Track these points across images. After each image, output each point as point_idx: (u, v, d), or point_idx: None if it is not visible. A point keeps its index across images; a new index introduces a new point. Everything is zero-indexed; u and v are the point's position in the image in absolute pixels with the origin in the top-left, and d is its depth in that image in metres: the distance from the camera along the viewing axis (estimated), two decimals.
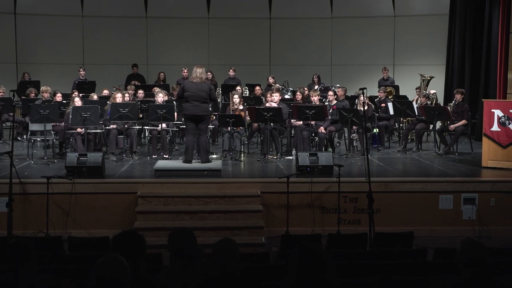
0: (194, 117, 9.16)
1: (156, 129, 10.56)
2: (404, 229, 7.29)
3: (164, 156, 10.28)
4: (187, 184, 8.44)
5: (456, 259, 3.59)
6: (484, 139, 9.55)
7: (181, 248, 3.89)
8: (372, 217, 6.78)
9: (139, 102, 11.56)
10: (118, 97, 10.76)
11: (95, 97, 11.87)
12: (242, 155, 10.74)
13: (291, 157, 10.46)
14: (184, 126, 9.86)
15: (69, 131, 10.40)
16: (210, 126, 11.38)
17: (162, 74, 15.63)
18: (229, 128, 10.41)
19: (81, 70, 14.99)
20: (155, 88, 12.88)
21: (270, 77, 15.01)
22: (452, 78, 15.02)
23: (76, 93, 12.21)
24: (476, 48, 13.83)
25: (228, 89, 13.56)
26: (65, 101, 11.49)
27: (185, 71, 14.50)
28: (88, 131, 10.20)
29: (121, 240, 3.69)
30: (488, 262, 3.51)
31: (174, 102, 11.26)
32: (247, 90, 14.35)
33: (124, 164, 9.83)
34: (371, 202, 6.82)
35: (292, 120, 10.93)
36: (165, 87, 13.79)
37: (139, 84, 15.14)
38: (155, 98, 11.13)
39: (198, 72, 9.17)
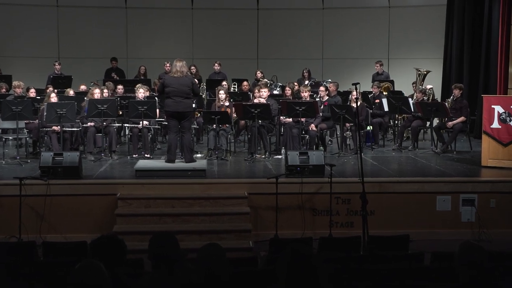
0: (176, 114, 9.14)
1: (137, 126, 10.52)
2: (400, 232, 7.31)
3: (146, 155, 10.25)
4: (170, 185, 8.42)
5: (454, 263, 3.61)
6: (484, 136, 9.60)
7: (163, 253, 3.88)
8: (366, 219, 6.80)
9: (118, 98, 11.51)
10: (96, 93, 10.71)
11: (71, 92, 11.80)
12: (229, 154, 10.73)
13: (280, 156, 10.46)
14: (167, 124, 9.83)
15: (44, 129, 10.34)
16: (194, 126, 11.35)
17: (143, 68, 15.57)
18: (214, 125, 10.39)
19: (57, 64, 14.89)
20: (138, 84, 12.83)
21: (258, 72, 15.01)
22: (450, 73, 15.09)
23: (51, 88, 12.13)
24: (475, 41, 13.91)
25: (214, 84, 13.53)
26: (39, 97, 11.42)
27: (168, 65, 14.44)
28: (64, 129, 10.14)
29: (99, 245, 3.68)
30: (488, 267, 3.53)
31: (156, 98, 11.23)
32: (235, 86, 14.34)
33: (102, 164, 9.78)
34: (364, 204, 6.84)
35: (281, 117, 10.94)
36: (146, 82, 13.75)
37: (118, 78, 15.08)
38: (136, 94, 11.09)
39: (179, 65, 9.15)
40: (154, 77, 14.48)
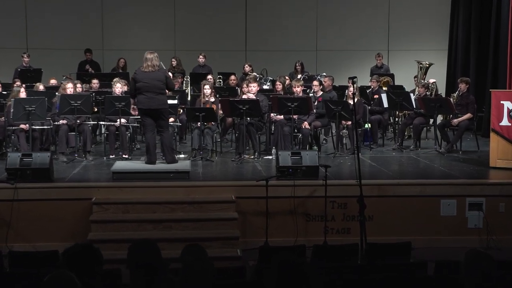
0: (150, 111, 9.11)
1: (113, 124, 10.49)
2: (401, 239, 7.33)
3: (123, 156, 10.22)
4: (150, 189, 8.40)
5: (460, 273, 3.63)
6: (492, 135, 9.64)
7: (144, 262, 3.87)
8: (364, 225, 6.81)
9: (93, 94, 11.47)
10: (69, 88, 10.67)
11: (41, 87, 11.74)
12: (214, 154, 10.72)
13: (270, 157, 10.47)
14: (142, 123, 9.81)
15: (11, 127, 10.28)
16: (174, 123, 11.31)
17: (122, 60, 15.53)
18: (199, 123, 10.38)
19: (25, 55, 14.82)
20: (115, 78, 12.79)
21: (246, 65, 15.01)
22: (455, 66, 15.16)
23: (18, 82, 12.08)
24: (483, 31, 13.96)
25: (198, 78, 13.51)
26: (5, 92, 11.35)
27: None
28: (33, 127, 10.09)
29: (73, 254, 3.66)
30: (497, 277, 3.54)
31: None
32: (221, 80, 14.33)
33: (76, 166, 9.75)
34: (362, 208, 6.86)
35: (272, 114, 10.93)
36: (124, 76, 13.71)
37: (93, 71, 15.02)
38: (113, 89, 11.05)
39: (150, 58, 9.11)
40: (133, 71, 14.42)
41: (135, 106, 9.39)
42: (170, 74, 9.84)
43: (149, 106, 9.07)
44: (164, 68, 9.49)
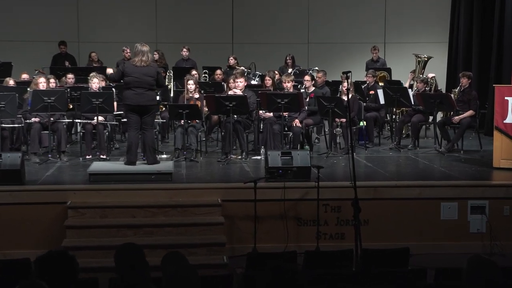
0: (138, 107, 9.12)
1: (90, 123, 10.46)
2: (398, 244, 7.34)
3: (101, 156, 10.20)
4: (130, 192, 8.38)
5: (462, 281, 3.63)
6: (496, 133, 9.67)
7: (132, 270, 3.92)
8: (359, 230, 6.81)
9: (68, 89, 11.42)
10: (41, 83, 10.62)
11: (11, 82, 11.69)
12: (199, 154, 10.71)
13: (259, 157, 10.46)
14: (126, 120, 9.78)
15: None
16: (159, 120, 11.30)
17: (94, 54, 15.49)
18: (182, 121, 10.36)
19: None
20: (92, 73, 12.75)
21: (230, 57, 15.00)
22: (456, 59, 15.21)
23: None
24: (486, 22, 14.01)
25: (181, 73, 13.49)
26: None
27: (128, 51, 14.39)
28: (3, 125, 10.04)
29: (46, 262, 3.65)
30: (501, 285, 3.55)
31: (113, 89, 11.16)
32: (206, 75, 14.31)
33: (49, 167, 9.71)
34: (357, 212, 6.86)
35: (260, 112, 10.93)
36: (102, 70, 13.66)
37: (69, 65, 14.96)
38: (89, 84, 11.01)
39: (144, 52, 9.13)
40: (112, 65, 14.40)
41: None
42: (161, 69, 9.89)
43: (138, 103, 9.07)
44: (156, 63, 9.50)
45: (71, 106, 11.50)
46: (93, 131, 10.44)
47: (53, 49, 15.80)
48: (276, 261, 6.36)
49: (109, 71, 9.57)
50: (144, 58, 9.10)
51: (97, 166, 9.27)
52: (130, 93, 9.09)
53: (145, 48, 9.19)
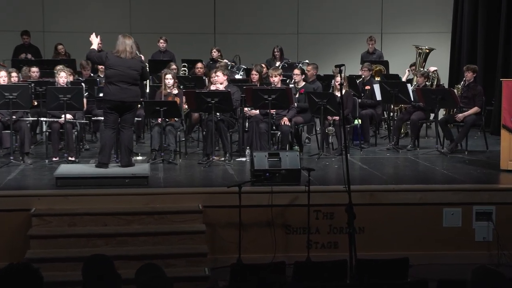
0: (120, 104, 9.10)
1: (57, 121, 10.42)
2: (397, 254, 7.36)
3: (69, 158, 10.16)
4: (102, 197, 8.36)
5: None
6: (503, 132, 9.70)
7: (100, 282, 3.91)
8: (354, 238, 6.82)
9: (32, 84, 11.37)
10: (2, 77, 10.58)
11: None
12: (178, 156, 10.69)
13: (244, 159, 10.48)
14: (101, 118, 9.74)
15: None
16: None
17: (61, 46, 15.41)
18: (159, 119, 10.34)
19: None
20: (58, 65, 12.71)
21: (213, 49, 14.99)
22: (460, 51, 15.26)
23: None
24: (492, 11, 14.06)
25: (158, 66, 13.48)
26: None
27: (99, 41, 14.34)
28: None
29: (7, 276, 3.64)
30: None
31: (82, 84, 11.12)
32: (185, 69, 14.29)
33: (11, 171, 9.66)
34: (351, 219, 6.86)
35: (246, 109, 10.93)
36: (70, 63, 13.61)
37: (32, 58, 14.88)
38: (56, 79, 10.97)
39: (127, 44, 9.13)
40: (81, 57, 14.33)
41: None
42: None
43: (121, 98, 9.06)
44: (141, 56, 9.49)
45: (35, 103, 11.45)
46: (61, 130, 10.40)
47: (15, 40, 15.73)
48: (263, 273, 6.35)
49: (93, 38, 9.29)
50: (128, 49, 9.09)
51: (65, 169, 9.22)
52: (113, 88, 9.06)
53: (129, 40, 9.19)
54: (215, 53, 14.87)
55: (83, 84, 11.16)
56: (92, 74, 12.92)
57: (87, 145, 11.83)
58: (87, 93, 11.20)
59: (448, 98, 11.15)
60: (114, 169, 9.15)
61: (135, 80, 9.17)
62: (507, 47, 13.26)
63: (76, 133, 10.69)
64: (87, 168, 9.32)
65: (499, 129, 10.01)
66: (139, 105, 11.67)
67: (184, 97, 10.88)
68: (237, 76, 13.68)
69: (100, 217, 8.14)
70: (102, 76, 11.05)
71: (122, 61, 9.08)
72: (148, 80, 13.30)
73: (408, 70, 14.04)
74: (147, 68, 13.44)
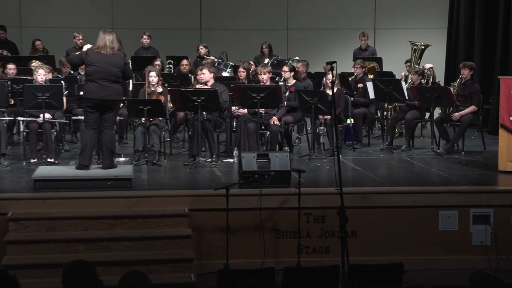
0: (101, 102, 9.08)
1: (35, 121, 10.40)
2: (391, 259, 7.37)
3: (48, 160, 10.15)
4: (82, 200, 8.33)
5: None
6: (502, 132, 9.72)
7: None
8: (346, 243, 6.83)
9: (9, 82, 11.33)
10: None
11: None
12: (162, 157, 10.68)
13: (231, 160, 10.48)
14: (82, 117, 9.72)
15: None
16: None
17: (38, 42, 15.36)
18: (143, 119, 10.33)
19: None
20: (33, 61, 12.67)
21: (201, 46, 14.98)
22: (456, 47, 15.30)
23: None
24: (490, 5, 14.09)
25: (141, 63, 13.46)
26: None
27: (80, 37, 14.30)
28: None
29: None
30: None
31: (62, 82, 11.09)
32: (171, 66, 14.27)
33: None
34: (344, 222, 6.87)
35: (233, 108, 10.92)
36: (48, 60, 13.57)
37: (8, 54, 14.83)
38: (34, 76, 10.93)
39: (109, 39, 9.11)
40: (60, 54, 14.31)
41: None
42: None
43: (102, 97, 9.04)
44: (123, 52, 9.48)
45: (12, 102, 11.41)
46: (39, 130, 10.38)
47: None
48: (251, 279, 6.35)
49: (85, 47, 9.32)
50: (109, 45, 9.06)
51: (43, 171, 9.19)
52: (93, 86, 9.04)
53: (110, 35, 9.16)
54: (202, 50, 14.86)
55: (62, 82, 11.11)
56: (72, 72, 12.88)
57: (67, 146, 11.79)
58: (66, 91, 11.14)
59: (444, 96, 11.18)
60: (95, 171, 9.13)
61: (116, 78, 9.15)
62: (505, 43, 13.28)
63: (55, 133, 10.65)
64: (67, 170, 9.28)
65: (497, 129, 10.02)
66: (121, 104, 11.70)
67: (169, 95, 10.86)
68: (224, 74, 13.68)
69: (81, 221, 8.11)
70: (82, 73, 11.00)
71: (103, 57, 9.06)
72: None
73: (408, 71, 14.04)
74: (130, 66, 13.61)
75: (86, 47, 9.38)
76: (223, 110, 10.78)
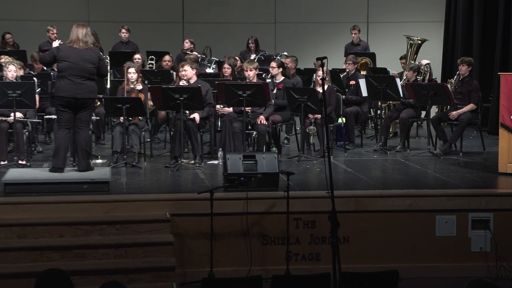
0: (74, 101, 9.06)
1: (6, 120, 10.36)
2: (385, 266, 7.39)
3: (20, 162, 10.11)
4: (57, 205, 8.31)
5: None
6: (502, 132, 9.75)
7: None
8: (337, 249, 6.84)
9: None
10: None
11: None
12: (142, 159, 10.67)
13: (216, 162, 10.48)
14: (54, 117, 9.70)
15: None
16: (93, 117, 11.22)
17: (8, 36, 15.32)
18: (121, 118, 10.32)
19: None
20: (2, 56, 12.62)
21: (186, 40, 14.95)
22: (454, 42, 15.34)
23: None
24: None
25: (120, 59, 13.43)
26: None
27: (54, 31, 14.26)
28: None
29: None
30: None
31: (34, 78, 11.06)
32: (152, 62, 14.26)
33: None
34: (335, 227, 6.88)
35: (218, 106, 10.92)
36: (19, 55, 13.52)
37: None
38: (4, 73, 10.90)
39: (81, 33, 9.10)
40: (32, 48, 14.28)
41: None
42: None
43: (74, 95, 9.01)
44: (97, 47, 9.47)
45: None
46: (9, 130, 10.35)
47: None
48: (238, 287, 6.35)
49: (55, 44, 9.33)
50: (82, 38, 9.04)
51: (15, 174, 9.18)
52: (65, 83, 9.02)
53: (84, 29, 9.15)
54: (187, 44, 14.83)
55: (35, 78, 11.06)
56: (45, 68, 12.85)
57: (39, 147, 11.75)
58: (39, 88, 11.09)
59: (441, 94, 11.19)
60: (70, 174, 9.11)
61: (90, 74, 9.11)
62: (506, 38, 13.31)
63: (27, 133, 10.63)
64: (40, 173, 9.27)
65: (497, 128, 10.06)
66: (98, 102, 11.68)
67: (149, 93, 10.84)
68: (208, 70, 13.67)
69: (55, 227, 8.08)
70: (56, 69, 10.99)
71: (75, 52, 9.03)
72: (108, 74, 13.30)
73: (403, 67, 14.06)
74: (107, 61, 13.57)
75: (55, 44, 9.37)
76: (210, 103, 10.68)
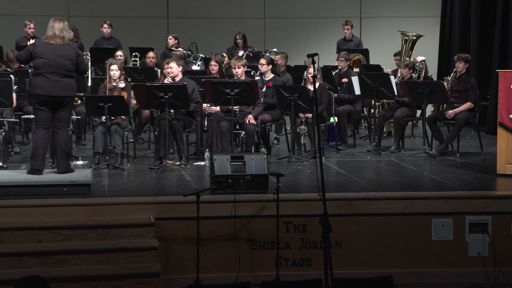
0: (50, 99, 9.03)
1: None
2: (379, 272, 7.40)
3: None
4: (35, 209, 8.28)
5: None
6: (500, 131, 9.77)
7: None
8: (329, 254, 6.85)
9: None
10: None
11: None
12: (125, 160, 10.66)
13: (203, 163, 10.48)
14: (32, 116, 9.68)
15: None
16: (73, 117, 11.21)
17: None
18: (103, 118, 10.30)
19: None
20: None
21: (170, 36, 14.94)
22: (450, 38, 15.37)
23: None
24: None
25: (101, 55, 13.41)
26: None
27: (31, 26, 14.22)
28: None
29: None
30: None
31: (11, 76, 11.03)
32: (136, 59, 14.24)
33: None
34: (327, 232, 6.89)
35: (205, 105, 10.92)
36: None
37: None
38: None
39: (58, 28, 9.06)
40: (8, 45, 14.25)
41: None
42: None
43: (51, 93, 8.98)
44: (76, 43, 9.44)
45: None
46: None
47: None
48: None
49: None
50: (58, 33, 9.01)
51: None
52: (42, 81, 8.99)
53: (61, 23, 9.10)
54: (171, 41, 14.82)
55: (12, 76, 11.04)
56: (22, 65, 12.83)
57: (17, 148, 11.73)
58: (16, 86, 11.08)
59: (437, 92, 11.21)
60: (49, 176, 9.09)
61: (68, 71, 9.07)
62: (504, 34, 13.33)
63: (3, 133, 10.60)
64: (17, 175, 9.25)
65: (495, 128, 10.08)
66: (79, 101, 11.66)
67: (132, 91, 10.83)
68: (194, 67, 13.66)
69: (33, 232, 8.06)
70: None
71: (51, 48, 8.99)
72: (89, 71, 13.28)
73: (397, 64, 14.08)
74: (87, 58, 13.56)
75: (30, 43, 9.36)
76: (196, 103, 10.69)
